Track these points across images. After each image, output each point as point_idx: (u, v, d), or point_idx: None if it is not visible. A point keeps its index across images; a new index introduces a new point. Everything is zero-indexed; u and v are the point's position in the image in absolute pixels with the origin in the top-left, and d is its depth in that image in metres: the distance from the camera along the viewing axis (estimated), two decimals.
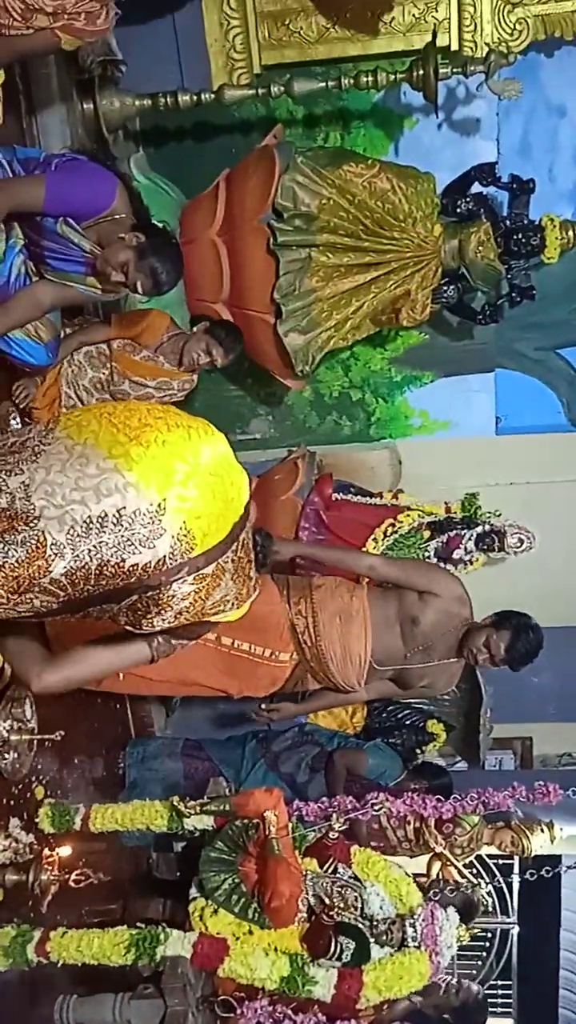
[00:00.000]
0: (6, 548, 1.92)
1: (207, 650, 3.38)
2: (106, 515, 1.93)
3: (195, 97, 3.89)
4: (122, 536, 1.93)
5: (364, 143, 4.54)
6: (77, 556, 1.93)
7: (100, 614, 2.12)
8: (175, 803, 2.94)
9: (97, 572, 1.96)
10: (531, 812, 4.08)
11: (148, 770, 4.09)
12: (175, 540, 1.97)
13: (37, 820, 3.07)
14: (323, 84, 3.92)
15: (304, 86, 3.91)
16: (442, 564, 4.60)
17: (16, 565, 1.92)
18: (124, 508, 1.93)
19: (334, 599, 3.52)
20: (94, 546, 1.93)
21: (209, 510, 2.02)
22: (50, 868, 2.47)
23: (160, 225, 3.14)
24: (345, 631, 3.47)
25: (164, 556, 1.97)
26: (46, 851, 2.54)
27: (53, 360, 3.23)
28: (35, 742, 3.15)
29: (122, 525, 1.93)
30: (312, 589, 3.55)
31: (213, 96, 3.89)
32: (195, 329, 3.63)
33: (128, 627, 2.12)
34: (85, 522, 1.92)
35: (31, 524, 1.92)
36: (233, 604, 2.15)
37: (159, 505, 1.95)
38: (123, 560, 1.95)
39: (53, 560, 1.92)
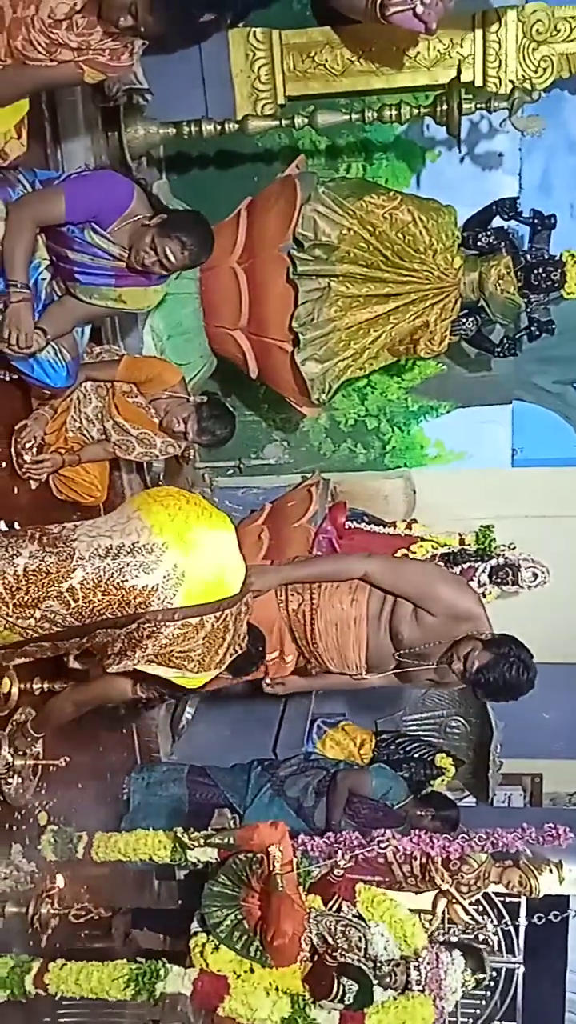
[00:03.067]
0: (43, 554, 2.46)
1: None
2: (123, 545, 2.48)
3: (219, 126, 3.92)
4: (128, 561, 2.46)
5: (386, 174, 4.56)
6: (95, 568, 2.44)
7: (104, 638, 2.58)
8: (179, 835, 2.91)
9: (104, 588, 2.45)
10: (540, 851, 4.02)
11: (152, 795, 4.06)
12: (167, 574, 2.47)
13: (39, 847, 3.04)
14: (347, 117, 3.93)
15: (328, 118, 3.93)
16: None
17: (46, 568, 2.44)
18: (137, 542, 2.49)
19: (332, 606, 3.44)
20: (107, 564, 2.45)
21: (200, 569, 2.50)
22: (50, 901, 2.44)
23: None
24: (343, 641, 3.45)
25: (157, 584, 2.46)
26: (47, 883, 2.51)
27: (71, 383, 3.25)
28: (39, 768, 3.12)
29: (132, 554, 2.47)
30: (311, 592, 3.47)
31: (237, 126, 3.92)
32: (193, 398, 3.58)
33: (116, 655, 2.57)
34: (107, 548, 2.48)
35: (68, 543, 2.49)
36: (196, 666, 2.57)
37: (164, 544, 2.49)
38: (125, 580, 2.45)
39: (75, 570, 2.44)
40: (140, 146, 3.95)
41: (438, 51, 4.15)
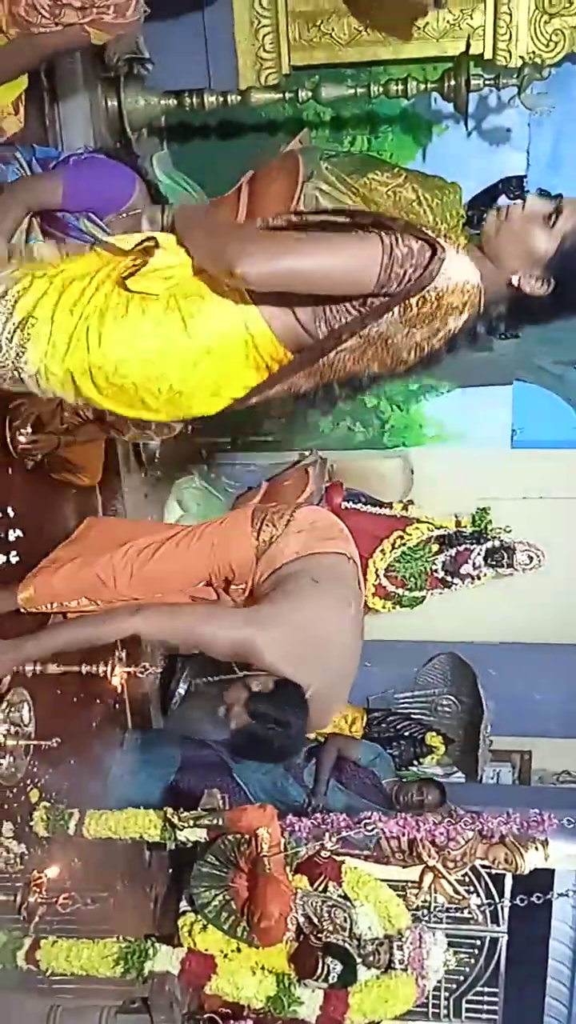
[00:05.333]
0: None
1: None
2: None
3: (221, 98, 3.84)
4: None
5: (392, 148, 4.47)
6: None
7: None
8: (168, 815, 2.95)
9: None
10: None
11: (147, 740, 4.13)
12: None
13: (31, 823, 3.08)
14: (352, 91, 3.85)
15: (332, 91, 3.85)
16: (450, 578, 4.59)
17: None
18: None
19: None
20: None
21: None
22: (38, 890, 2.48)
23: None
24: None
25: None
26: (35, 872, 2.54)
27: None
28: (31, 746, 3.14)
29: None
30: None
31: (239, 98, 3.84)
32: None
33: None
34: None
35: None
36: None
37: None
38: None
39: None
40: (140, 117, 3.88)
41: (448, 22, 4.06)
